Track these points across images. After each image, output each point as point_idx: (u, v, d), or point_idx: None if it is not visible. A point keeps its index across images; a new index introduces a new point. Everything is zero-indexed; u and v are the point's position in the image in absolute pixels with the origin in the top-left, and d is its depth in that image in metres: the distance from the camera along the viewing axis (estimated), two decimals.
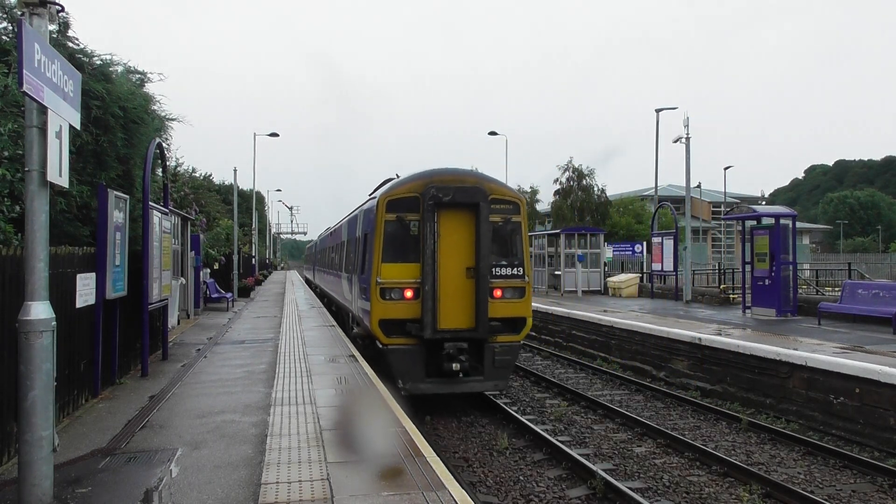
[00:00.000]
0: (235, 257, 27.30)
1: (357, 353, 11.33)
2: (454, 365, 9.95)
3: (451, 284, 10.24)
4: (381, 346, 10.40)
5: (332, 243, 21.26)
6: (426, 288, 10.04)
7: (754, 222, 16.42)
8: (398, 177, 11.84)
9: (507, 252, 10.70)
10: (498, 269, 10.51)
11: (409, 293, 10.26)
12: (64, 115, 4.55)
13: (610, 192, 42.45)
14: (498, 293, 10.46)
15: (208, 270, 22.81)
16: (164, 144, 11.44)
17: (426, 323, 9.98)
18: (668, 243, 23.01)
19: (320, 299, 25.47)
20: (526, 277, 10.70)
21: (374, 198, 11.28)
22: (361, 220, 12.60)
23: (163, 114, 11.92)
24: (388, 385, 9.20)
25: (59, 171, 4.46)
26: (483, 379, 10.42)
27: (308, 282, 40.82)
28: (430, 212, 10.07)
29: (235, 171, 31.46)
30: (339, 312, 17.56)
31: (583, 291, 24.81)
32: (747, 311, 16.22)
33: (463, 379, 10.29)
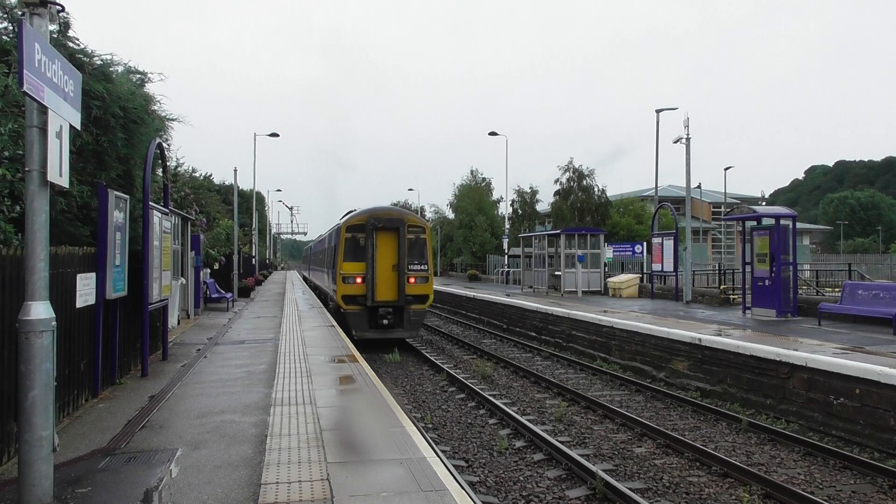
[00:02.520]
0: (235, 257, 27.30)
1: (357, 354, 11.34)
2: (384, 321, 16.74)
3: (384, 275, 16.87)
4: (342, 310, 16.97)
5: (318, 249, 31.35)
6: (368, 276, 16.71)
7: (754, 223, 16.42)
8: (356, 210, 19.17)
9: (417, 256, 17.20)
10: (412, 266, 17.00)
11: (358, 279, 16.84)
12: (64, 115, 4.55)
13: (611, 193, 42.42)
14: (412, 280, 16.98)
15: (208, 270, 22.81)
16: (164, 144, 11.44)
17: (368, 297, 16.68)
18: (669, 244, 23.00)
19: (313, 291, 31.41)
20: (428, 271, 17.30)
21: (340, 224, 18.54)
22: (333, 236, 20.18)
23: (163, 114, 11.92)
24: (348, 334, 14.51)
25: (59, 171, 4.46)
26: (403, 330, 17.07)
27: (305, 279, 47.50)
28: (371, 233, 16.79)
29: (236, 171, 31.44)
30: (324, 298, 24.05)
31: (583, 292, 24.81)
32: (747, 311, 16.21)
33: (390, 329, 16.89)
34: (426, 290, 17.22)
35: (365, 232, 16.88)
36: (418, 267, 17.07)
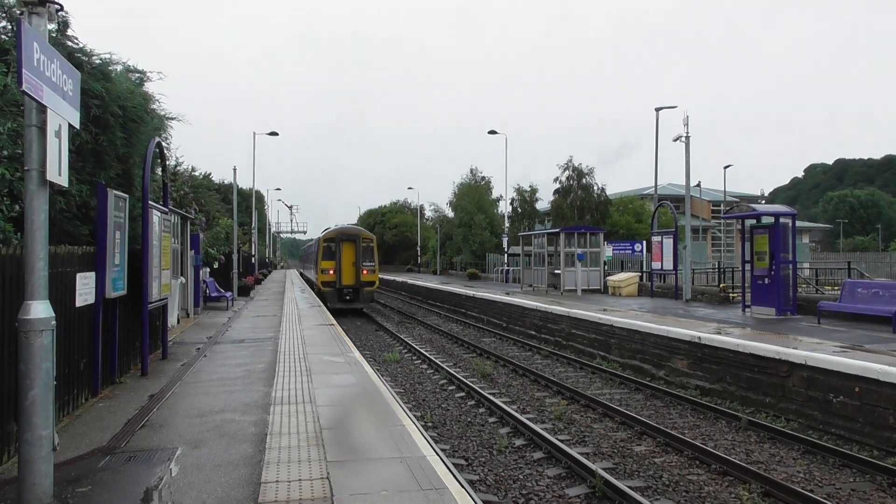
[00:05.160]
0: (235, 256, 27.30)
1: (357, 353, 11.35)
2: (347, 297, 26.27)
3: (347, 268, 26.31)
4: (322, 291, 26.58)
5: (308, 252, 45.81)
6: (337, 269, 26.21)
7: (754, 221, 16.40)
8: (329, 228, 29.79)
9: (368, 257, 26.73)
10: (364, 263, 26.47)
11: (331, 272, 26.27)
12: (63, 114, 4.55)
13: (611, 191, 42.48)
14: (364, 272, 26.45)
15: (208, 269, 22.81)
16: (163, 143, 11.43)
17: (337, 281, 26.17)
18: (668, 242, 23.00)
19: (306, 283, 40.72)
20: (375, 266, 27.03)
21: (320, 237, 29.27)
22: (316, 244, 31.03)
23: (162, 113, 11.90)
24: (324, 304, 23.88)
25: (58, 170, 4.46)
26: (359, 302, 26.57)
27: (301, 274, 55.96)
28: (338, 242, 26.43)
29: (235, 169, 31.38)
30: (311, 284, 34.97)
31: (582, 290, 24.81)
32: (747, 309, 16.21)
33: (351, 302, 26.30)
34: (374, 278, 27.25)
35: (335, 242, 26.71)
36: (369, 263, 26.84)
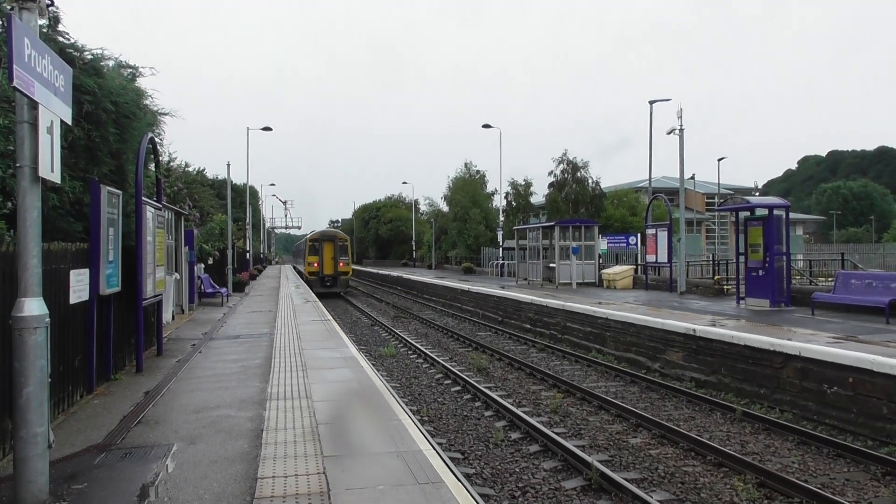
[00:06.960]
0: (230, 252, 27.21)
1: (353, 348, 11.35)
2: (328, 283, 36.52)
3: (327, 262, 36.70)
4: (308, 279, 36.80)
5: (298, 249, 60.04)
6: (320, 262, 36.74)
7: (748, 213, 16.45)
8: (315, 231, 43.10)
9: (343, 253, 37.02)
10: (341, 258, 36.73)
11: (315, 264, 36.69)
12: (55, 110, 4.52)
13: (605, 185, 42.39)
14: (341, 264, 36.84)
15: (202, 265, 22.75)
16: (156, 139, 11.38)
17: (320, 272, 36.69)
18: (663, 235, 23.04)
19: (298, 275, 47.03)
20: (349, 259, 37.71)
21: (307, 237, 42.50)
22: (303, 243, 43.64)
23: (155, 108, 11.84)
24: (311, 290, 29.77)
25: (50, 166, 4.44)
26: (337, 287, 36.75)
27: (294, 268, 62.40)
28: (321, 242, 37.28)
29: (229, 165, 31.10)
30: (300, 273, 44.13)
31: (577, 284, 24.85)
32: (741, 302, 16.28)
33: (331, 287, 36.31)
34: (348, 269, 37.09)
35: (318, 241, 36.42)
36: (344, 258, 36.36)
